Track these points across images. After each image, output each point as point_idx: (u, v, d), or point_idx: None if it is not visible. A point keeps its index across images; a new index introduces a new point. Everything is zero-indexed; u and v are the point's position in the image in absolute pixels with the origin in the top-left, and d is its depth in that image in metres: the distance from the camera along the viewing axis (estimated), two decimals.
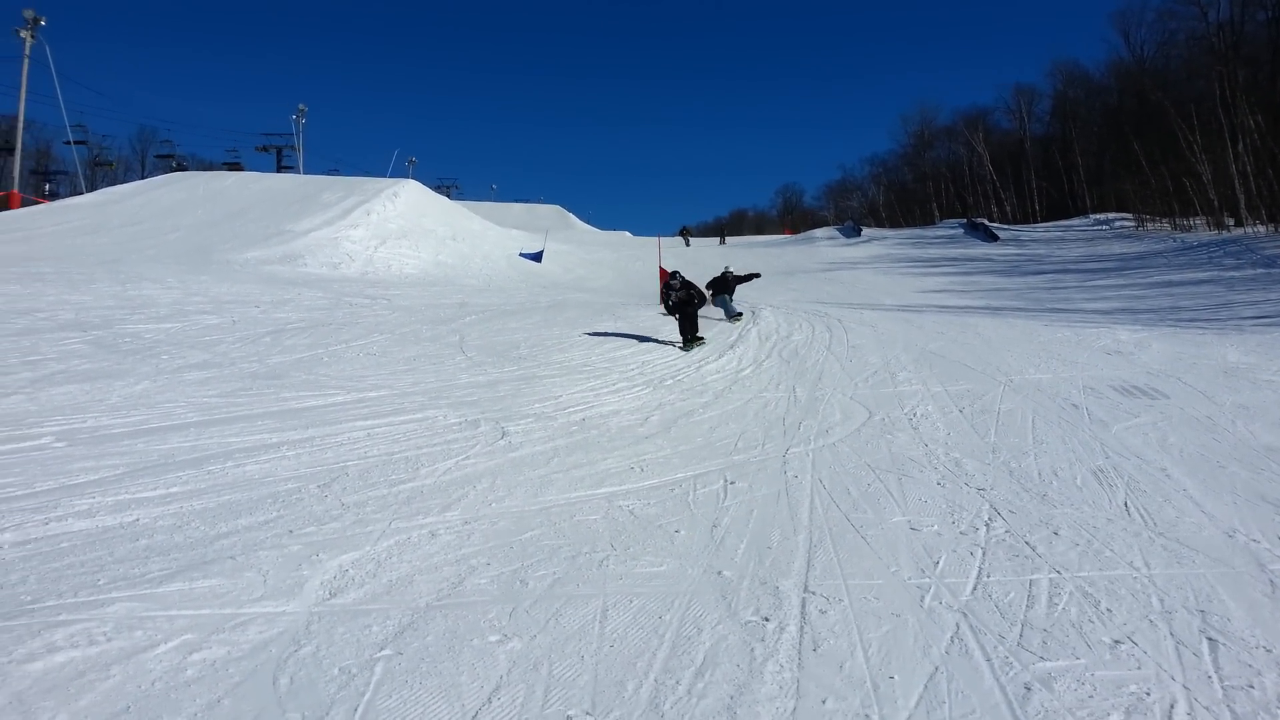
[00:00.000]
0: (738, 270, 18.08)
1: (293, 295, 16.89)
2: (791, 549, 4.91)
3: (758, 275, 18.61)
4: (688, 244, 47.35)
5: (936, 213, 67.09)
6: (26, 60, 41.17)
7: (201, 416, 7.58)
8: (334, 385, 9.31)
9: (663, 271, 21.13)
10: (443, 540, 4.89)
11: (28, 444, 6.51)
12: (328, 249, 24.41)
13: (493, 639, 3.71)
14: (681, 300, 13.92)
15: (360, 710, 3.11)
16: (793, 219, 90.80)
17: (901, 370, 11.10)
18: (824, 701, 3.29)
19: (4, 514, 4.94)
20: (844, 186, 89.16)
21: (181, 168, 55.05)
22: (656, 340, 13.71)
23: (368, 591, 4.15)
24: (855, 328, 15.24)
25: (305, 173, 54.76)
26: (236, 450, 6.54)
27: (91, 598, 3.91)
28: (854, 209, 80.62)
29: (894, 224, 66.85)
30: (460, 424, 7.77)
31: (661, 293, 14.34)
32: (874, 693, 3.36)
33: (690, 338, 13.68)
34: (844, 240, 48.86)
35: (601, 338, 13.76)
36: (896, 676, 3.49)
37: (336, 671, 3.37)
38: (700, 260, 34.32)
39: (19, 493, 5.36)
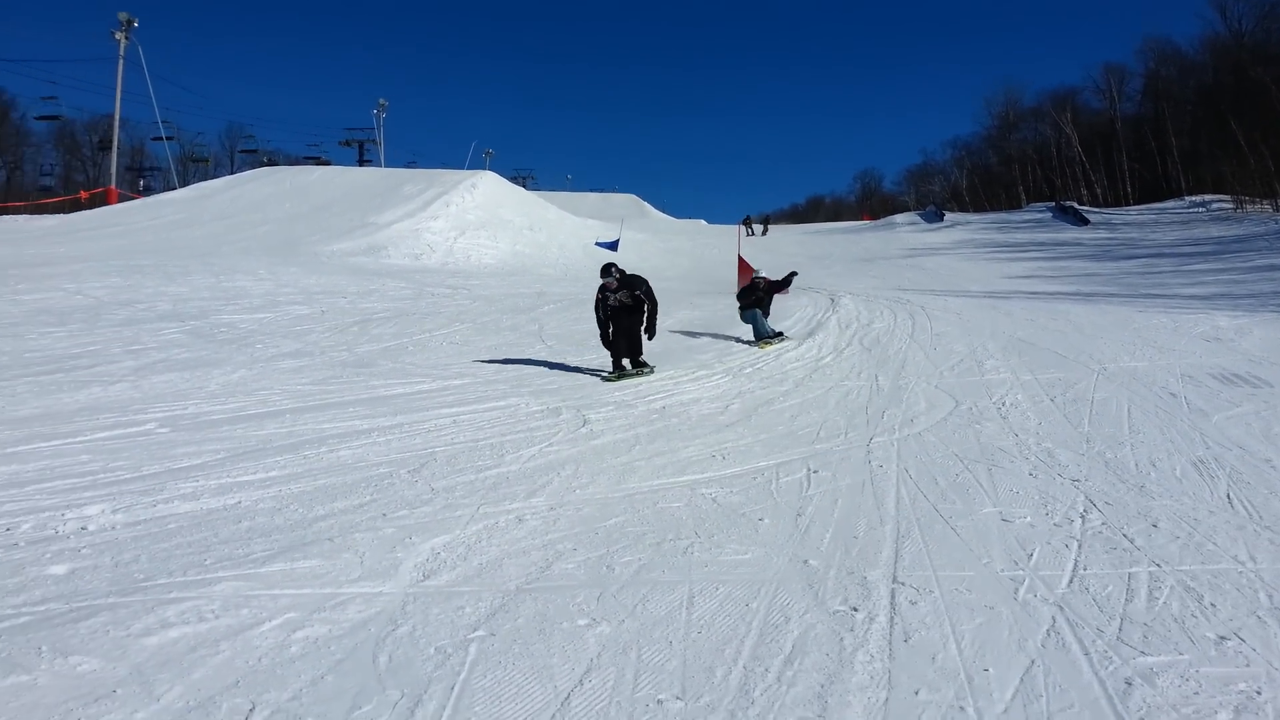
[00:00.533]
0: (770, 274, 13.81)
1: (378, 286, 17.31)
2: (879, 539, 4.85)
3: (794, 274, 14.27)
4: (750, 233, 45.77)
5: (1023, 196, 65.18)
6: (121, 61, 42.96)
7: (296, 403, 7.83)
8: (420, 373, 9.52)
9: (742, 261, 21.02)
10: (529, 525, 4.97)
11: (134, 429, 6.82)
12: (409, 240, 24.94)
13: (582, 623, 3.76)
14: (624, 306, 9.88)
15: (457, 689, 3.19)
16: (871, 205, 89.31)
17: (989, 358, 10.85)
18: (917, 692, 3.25)
19: (115, 496, 5.19)
20: (925, 171, 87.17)
21: (272, 163, 56.64)
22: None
23: (459, 574, 4.25)
24: (939, 315, 14.94)
25: (385, 166, 55.96)
26: (330, 436, 6.75)
27: (199, 576, 4.08)
28: (936, 193, 78.81)
29: (978, 208, 65.16)
30: (542, 412, 7.87)
31: (597, 298, 10.06)
32: (968, 685, 3.31)
33: (634, 363, 9.91)
34: (925, 225, 47.87)
35: (680, 325, 13.77)
36: (991, 669, 3.43)
37: (433, 651, 3.46)
38: (774, 247, 34.02)
39: (128, 476, 5.62)
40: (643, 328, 9.87)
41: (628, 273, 10.19)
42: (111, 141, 45.58)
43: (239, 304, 14.05)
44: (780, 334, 12.82)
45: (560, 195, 55.66)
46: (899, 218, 54.48)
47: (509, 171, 60.45)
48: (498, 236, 27.13)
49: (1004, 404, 8.37)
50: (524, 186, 48.66)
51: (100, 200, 39.37)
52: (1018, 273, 26.38)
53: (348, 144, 71.72)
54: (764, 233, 47.74)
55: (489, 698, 3.16)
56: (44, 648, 3.36)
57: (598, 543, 4.74)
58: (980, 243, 37.71)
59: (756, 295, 12.94)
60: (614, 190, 71.83)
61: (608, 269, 10.01)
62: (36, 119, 57.45)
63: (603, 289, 9.96)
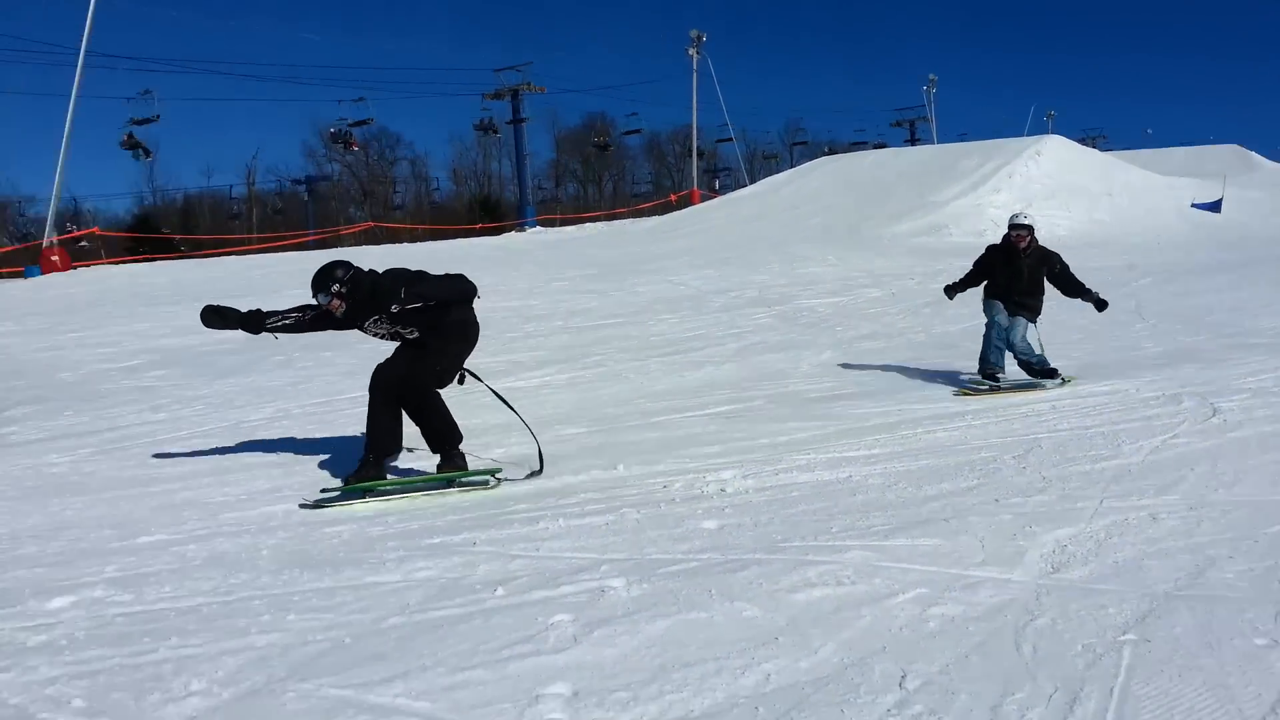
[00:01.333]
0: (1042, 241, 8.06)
1: (944, 265, 17.05)
2: None
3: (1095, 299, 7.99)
4: None
5: None
6: (695, 75, 48.29)
7: (884, 385, 8.06)
8: None
9: None
10: (1166, 525, 4.46)
11: (743, 404, 7.61)
12: (971, 217, 24.25)
13: (1259, 643, 3.24)
14: (401, 340, 5.55)
15: (1117, 693, 2.96)
16: None
17: None
18: None
19: (743, 464, 5.80)
20: None
21: (832, 151, 59.11)
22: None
23: (1093, 570, 3.96)
24: None
25: (938, 143, 55.03)
26: (923, 417, 6.80)
27: (828, 543, 4.37)
28: None
29: None
30: (1158, 398, 7.04)
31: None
32: None
33: (444, 457, 5.45)
34: None
35: None
36: None
37: (1080, 649, 3.26)
38: None
39: (749, 445, 6.26)
40: (435, 369, 5.41)
41: (379, 272, 5.45)
42: (691, 148, 51.63)
43: (814, 289, 14.93)
44: (1054, 372, 7.40)
45: (1140, 154, 49.55)
46: None
47: (1076, 133, 55.38)
48: (1070, 206, 25.11)
49: None
50: (1095, 148, 44.21)
51: (685, 201, 44.77)
52: None
53: (898, 124, 72.26)
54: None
55: (1156, 707, 2.88)
56: (713, 591, 3.85)
57: (1260, 552, 4.07)
58: None
59: (1013, 266, 7.47)
60: (1208, 142, 61.47)
61: (323, 278, 5.27)
62: (623, 134, 67.63)
63: (312, 307, 5.44)
